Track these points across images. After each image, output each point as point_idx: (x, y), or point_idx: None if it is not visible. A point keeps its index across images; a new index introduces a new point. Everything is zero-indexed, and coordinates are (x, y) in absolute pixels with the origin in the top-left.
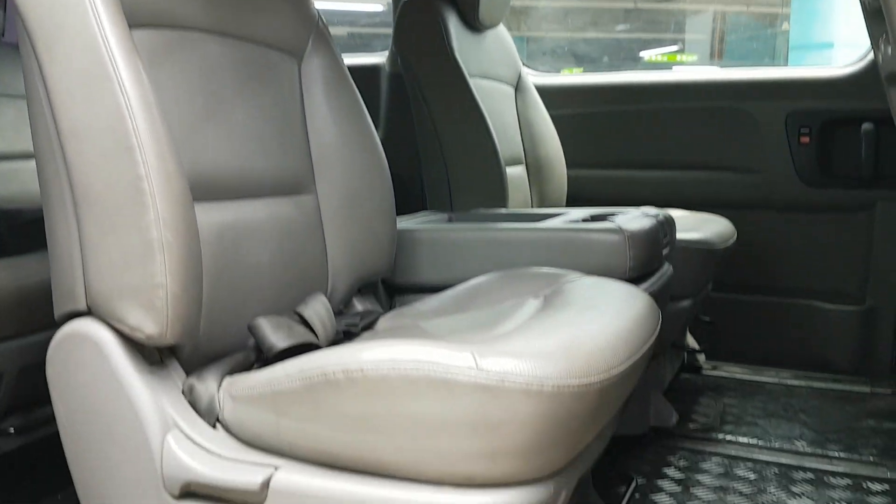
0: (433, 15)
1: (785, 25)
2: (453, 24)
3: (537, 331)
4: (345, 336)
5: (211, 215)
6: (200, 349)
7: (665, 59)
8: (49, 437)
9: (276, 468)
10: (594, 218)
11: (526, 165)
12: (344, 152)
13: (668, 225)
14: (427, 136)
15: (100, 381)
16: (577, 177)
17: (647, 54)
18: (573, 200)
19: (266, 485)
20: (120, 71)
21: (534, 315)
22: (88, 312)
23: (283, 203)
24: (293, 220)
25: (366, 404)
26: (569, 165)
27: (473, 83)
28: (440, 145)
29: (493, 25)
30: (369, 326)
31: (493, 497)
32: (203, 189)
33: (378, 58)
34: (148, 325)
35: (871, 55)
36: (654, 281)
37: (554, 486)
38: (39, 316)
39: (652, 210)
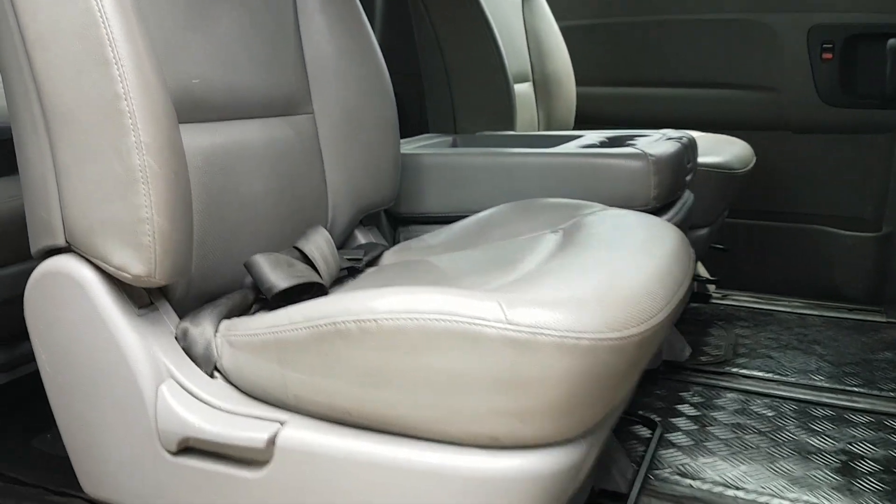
0: None
1: None
2: None
3: (566, 274)
4: (348, 272)
5: (197, 138)
6: (192, 289)
7: None
8: (36, 371)
9: (282, 423)
10: (611, 141)
11: (533, 82)
12: (342, 66)
13: (691, 149)
14: (429, 51)
15: (84, 326)
16: (586, 94)
17: None
18: (582, 120)
19: (272, 441)
20: None
21: (555, 252)
22: (68, 248)
23: (276, 124)
24: (288, 142)
25: (380, 358)
26: (577, 82)
27: None
28: (444, 61)
29: None
30: (373, 262)
31: (520, 459)
32: (188, 108)
33: None
34: (134, 265)
35: None
36: (676, 210)
37: (585, 447)
38: (16, 246)
39: (672, 132)
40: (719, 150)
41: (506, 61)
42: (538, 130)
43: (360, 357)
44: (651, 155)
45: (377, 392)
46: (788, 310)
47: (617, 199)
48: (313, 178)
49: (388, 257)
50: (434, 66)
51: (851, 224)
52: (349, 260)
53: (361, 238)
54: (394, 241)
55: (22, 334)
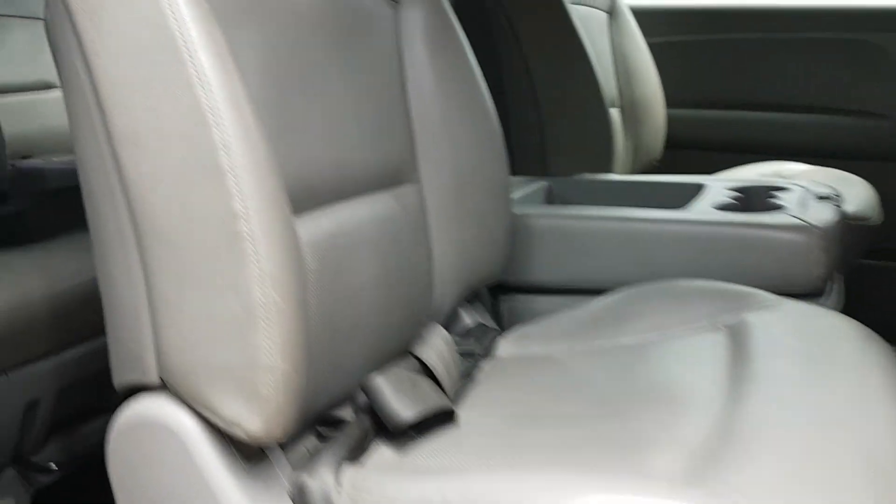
0: None
1: None
2: None
3: (794, 435)
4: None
5: (307, 232)
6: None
7: None
8: (94, 460)
9: None
10: (746, 197)
11: (621, 108)
12: (452, 125)
13: (843, 207)
14: (516, 80)
15: (181, 485)
16: (676, 118)
17: None
18: (671, 145)
19: None
20: (195, 49)
21: (733, 370)
22: (161, 386)
23: (382, 199)
24: (395, 219)
25: None
26: (666, 104)
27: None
28: (534, 91)
29: None
30: (487, 351)
31: None
32: (298, 197)
33: None
34: (250, 420)
35: None
36: (834, 292)
37: None
38: (77, 325)
39: (814, 183)
40: (847, 194)
41: (603, 92)
42: (626, 160)
43: None
44: (816, 227)
45: None
46: None
47: (774, 280)
48: (420, 257)
49: (505, 347)
50: (521, 94)
51: None
52: (463, 353)
53: (466, 317)
54: (495, 313)
55: (80, 421)
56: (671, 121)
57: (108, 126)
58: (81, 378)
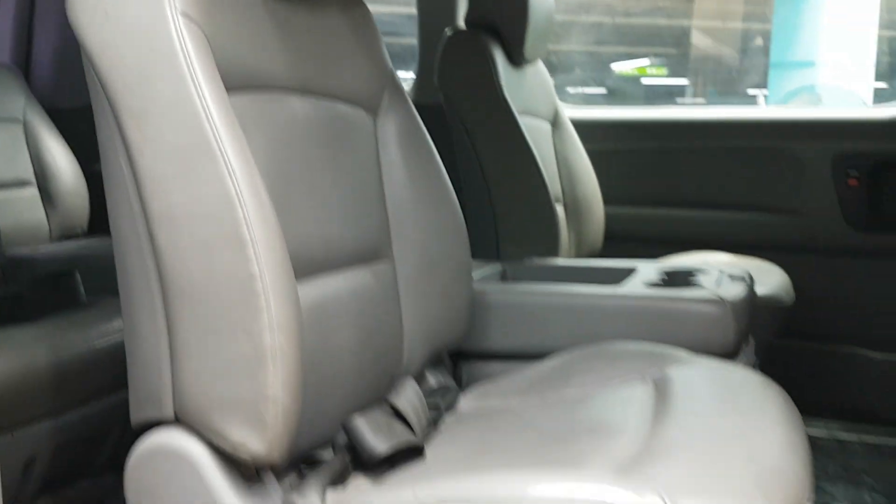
0: (481, 49)
1: (758, 40)
2: (499, 59)
3: (698, 445)
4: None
5: (301, 295)
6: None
7: (636, 71)
8: None
9: None
10: (671, 277)
11: (564, 205)
12: (421, 213)
13: (753, 287)
14: (472, 179)
15: (191, 502)
16: (614, 214)
17: (618, 67)
18: (610, 239)
19: None
20: (226, 149)
21: (657, 408)
22: (175, 420)
23: (361, 273)
24: (371, 290)
25: None
26: (605, 202)
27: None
28: (488, 188)
29: (536, 59)
30: (450, 406)
31: None
32: (295, 266)
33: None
34: (254, 443)
35: None
36: (745, 353)
37: None
38: (76, 390)
39: (728, 266)
40: (760, 279)
41: (549, 189)
42: (570, 252)
43: None
44: (727, 300)
45: None
46: (826, 433)
47: (693, 344)
48: (392, 324)
49: (466, 402)
50: (478, 193)
51: (886, 346)
52: (430, 409)
53: (431, 378)
54: (456, 378)
55: (72, 478)
56: (609, 217)
57: (145, 209)
58: (74, 440)
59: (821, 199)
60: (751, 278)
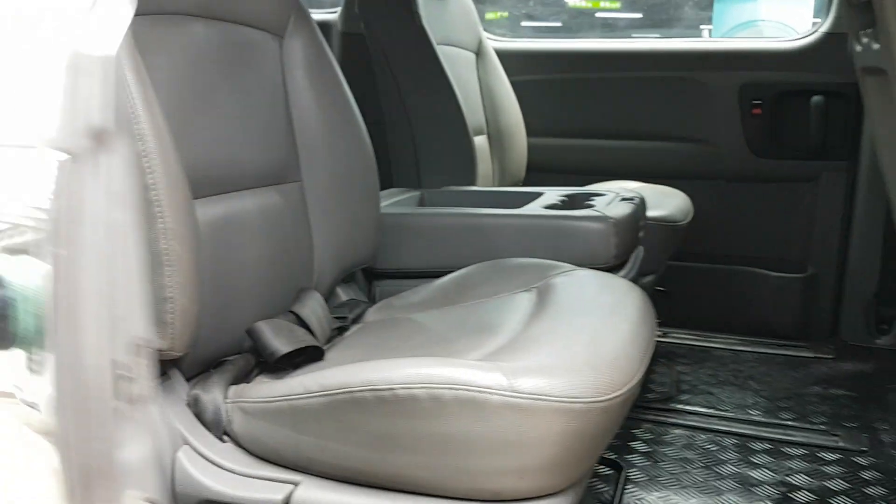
0: None
1: None
2: None
3: (555, 340)
4: (337, 331)
5: (204, 213)
6: (197, 355)
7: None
8: None
9: (296, 484)
10: (571, 200)
11: (488, 135)
12: (328, 136)
13: (643, 208)
14: (393, 107)
15: None
16: (536, 145)
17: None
18: (532, 170)
19: (287, 501)
20: (123, 70)
21: (534, 313)
22: None
23: (269, 193)
24: (280, 210)
25: (394, 424)
26: (528, 134)
27: (438, 51)
28: (408, 117)
29: None
30: (357, 319)
31: None
32: (196, 186)
33: (328, 14)
34: (157, 340)
35: (823, 28)
36: (631, 265)
37: (574, 497)
38: None
39: (625, 190)
40: (663, 202)
41: (467, 119)
42: (493, 181)
43: (374, 423)
44: (610, 218)
45: (389, 455)
46: (724, 346)
47: (581, 257)
48: (301, 242)
49: (372, 314)
50: (399, 122)
51: (780, 265)
52: (336, 318)
53: (343, 294)
54: (370, 295)
55: None
56: (532, 148)
57: None
58: None
59: (727, 128)
60: (642, 200)
